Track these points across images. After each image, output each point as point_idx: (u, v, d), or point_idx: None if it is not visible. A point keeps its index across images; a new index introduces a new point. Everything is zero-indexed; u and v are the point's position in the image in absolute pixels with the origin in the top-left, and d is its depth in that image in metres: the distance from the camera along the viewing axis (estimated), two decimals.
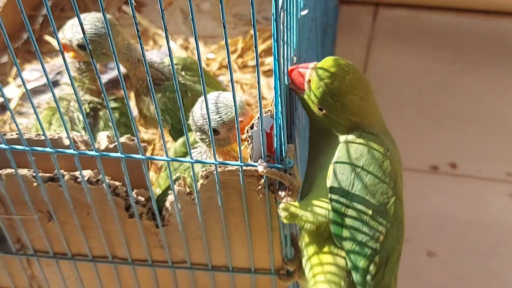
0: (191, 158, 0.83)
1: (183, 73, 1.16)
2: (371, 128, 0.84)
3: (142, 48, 0.72)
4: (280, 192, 0.84)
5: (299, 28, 0.94)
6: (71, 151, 0.86)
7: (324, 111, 0.82)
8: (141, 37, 0.71)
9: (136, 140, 0.85)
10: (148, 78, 0.73)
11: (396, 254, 0.82)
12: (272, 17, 0.69)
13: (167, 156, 0.83)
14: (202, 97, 0.92)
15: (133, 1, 0.67)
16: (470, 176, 1.47)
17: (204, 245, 0.96)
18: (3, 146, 0.87)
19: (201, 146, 0.94)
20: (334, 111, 0.82)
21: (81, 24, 0.71)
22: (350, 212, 0.80)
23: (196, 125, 0.92)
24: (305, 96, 0.83)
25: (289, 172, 0.82)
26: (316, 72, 0.81)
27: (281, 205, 0.83)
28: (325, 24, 1.58)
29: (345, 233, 0.81)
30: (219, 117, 0.89)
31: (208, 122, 0.87)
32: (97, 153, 0.85)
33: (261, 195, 0.86)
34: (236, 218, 0.92)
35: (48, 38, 1.65)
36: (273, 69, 0.74)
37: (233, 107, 0.87)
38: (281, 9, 0.69)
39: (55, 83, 1.51)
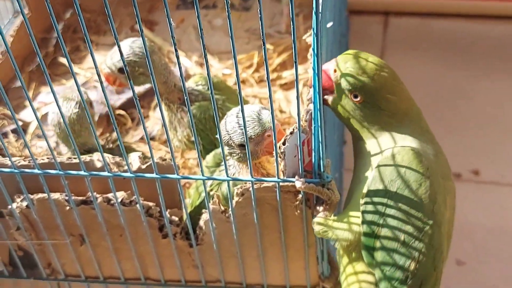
0: (227, 176, 0.82)
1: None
2: (410, 120, 0.83)
3: (179, 63, 0.71)
4: (318, 207, 0.83)
5: (327, 41, 0.93)
6: (105, 173, 0.85)
7: (359, 98, 0.80)
8: (177, 49, 0.71)
9: (170, 159, 0.84)
10: (186, 100, 0.73)
11: (432, 280, 0.81)
12: (313, 32, 0.68)
13: (203, 175, 0.83)
14: (227, 113, 0.92)
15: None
16: (494, 183, 1.46)
17: (238, 263, 0.95)
18: (36, 171, 0.87)
19: (230, 161, 0.94)
20: (368, 89, 0.79)
21: (118, 45, 0.71)
22: (381, 237, 0.79)
23: (224, 140, 0.91)
24: (335, 94, 0.82)
25: (327, 187, 0.81)
26: (339, 59, 0.82)
27: (317, 219, 0.82)
28: (340, 35, 1.58)
29: (376, 257, 0.80)
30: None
31: (232, 138, 0.86)
32: (132, 175, 0.85)
33: (298, 211, 0.85)
34: (271, 235, 0.91)
35: (62, 60, 1.65)
36: (313, 83, 0.73)
37: (260, 121, 0.87)
38: (321, 22, 0.69)
39: None
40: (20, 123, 1.46)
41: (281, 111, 1.46)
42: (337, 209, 0.85)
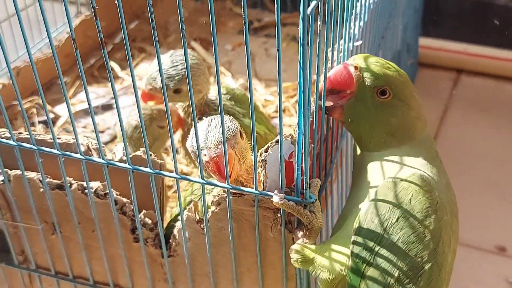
0: (202, 178, 0.73)
1: (232, 103, 1.08)
2: (426, 138, 0.76)
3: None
4: (297, 232, 0.73)
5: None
6: (78, 155, 0.79)
7: (387, 94, 0.73)
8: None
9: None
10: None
11: None
12: (300, 18, 0.60)
13: (177, 173, 0.74)
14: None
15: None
16: None
17: (211, 285, 0.84)
18: (11, 142, 0.82)
19: None
20: (397, 83, 0.73)
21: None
22: (371, 271, 0.67)
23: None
24: (355, 95, 0.74)
25: (310, 209, 0.70)
26: (358, 57, 0.75)
27: (294, 246, 0.71)
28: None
29: None
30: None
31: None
32: (104, 161, 0.78)
33: (275, 232, 0.74)
34: (249, 259, 0.81)
35: (112, 64, 1.64)
36: (298, 83, 0.64)
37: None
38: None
39: (109, 107, 1.49)
40: (52, 116, 1.45)
41: None
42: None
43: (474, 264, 1.27)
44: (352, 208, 0.73)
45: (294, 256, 0.71)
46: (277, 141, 0.70)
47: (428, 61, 1.90)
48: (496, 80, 1.84)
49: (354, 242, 0.68)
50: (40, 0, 0.68)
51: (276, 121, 1.44)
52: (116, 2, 0.65)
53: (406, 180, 0.69)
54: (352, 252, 0.68)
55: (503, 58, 1.82)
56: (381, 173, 0.72)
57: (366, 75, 0.73)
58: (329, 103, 0.76)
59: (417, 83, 1.83)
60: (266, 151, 0.70)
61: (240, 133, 0.77)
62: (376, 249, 0.67)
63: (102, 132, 1.41)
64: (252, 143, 0.68)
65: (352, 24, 0.87)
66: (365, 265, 0.67)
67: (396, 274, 0.66)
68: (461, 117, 1.71)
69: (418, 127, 0.75)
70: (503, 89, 1.81)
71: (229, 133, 0.74)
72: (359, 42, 0.90)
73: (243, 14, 0.59)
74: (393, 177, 0.70)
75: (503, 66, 1.83)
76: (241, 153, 0.75)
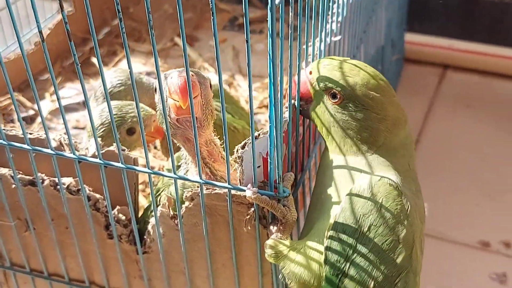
0: (175, 173, 0.72)
1: None
2: (399, 145, 0.71)
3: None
4: (271, 227, 0.72)
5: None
6: (48, 150, 0.77)
7: (338, 97, 0.69)
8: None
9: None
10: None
11: None
12: (268, 8, 0.59)
13: (149, 168, 0.73)
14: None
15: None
16: None
17: (187, 282, 0.83)
18: None
19: (185, 163, 0.83)
20: (345, 84, 0.69)
21: None
22: (347, 282, 0.66)
23: None
24: (313, 100, 0.73)
25: (283, 203, 0.69)
26: (316, 61, 0.74)
27: (269, 241, 0.70)
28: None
29: None
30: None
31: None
32: (75, 156, 0.76)
33: (249, 227, 0.73)
34: (224, 254, 0.79)
35: (94, 60, 1.63)
36: (268, 75, 0.63)
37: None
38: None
39: None
40: (33, 112, 1.43)
41: None
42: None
43: (458, 260, 1.27)
44: (320, 213, 0.71)
45: (267, 251, 0.70)
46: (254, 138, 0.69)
47: (414, 56, 1.89)
48: (482, 76, 1.84)
49: (327, 254, 0.67)
50: None
51: (259, 117, 1.43)
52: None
53: (375, 186, 0.67)
54: (325, 262, 0.67)
55: (489, 53, 1.82)
56: (348, 179, 0.70)
57: (316, 78, 0.72)
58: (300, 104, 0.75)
59: (403, 78, 1.82)
60: (243, 147, 0.69)
61: (210, 84, 0.78)
62: (350, 259, 0.66)
63: (82, 128, 1.40)
64: (224, 137, 0.67)
65: (330, 18, 0.86)
66: (339, 276, 0.66)
67: (372, 285, 0.65)
68: (447, 113, 1.71)
69: (382, 129, 0.70)
70: (489, 85, 1.80)
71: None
72: (338, 37, 0.88)
73: (210, 4, 0.58)
74: (361, 183, 0.68)
75: (489, 62, 1.82)
76: (207, 101, 0.77)
